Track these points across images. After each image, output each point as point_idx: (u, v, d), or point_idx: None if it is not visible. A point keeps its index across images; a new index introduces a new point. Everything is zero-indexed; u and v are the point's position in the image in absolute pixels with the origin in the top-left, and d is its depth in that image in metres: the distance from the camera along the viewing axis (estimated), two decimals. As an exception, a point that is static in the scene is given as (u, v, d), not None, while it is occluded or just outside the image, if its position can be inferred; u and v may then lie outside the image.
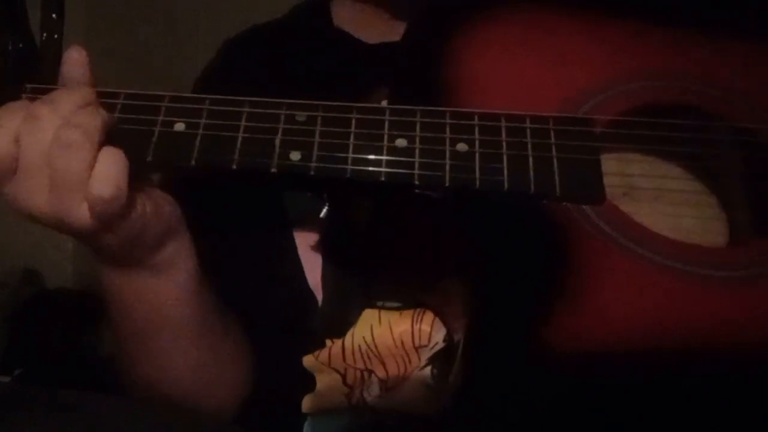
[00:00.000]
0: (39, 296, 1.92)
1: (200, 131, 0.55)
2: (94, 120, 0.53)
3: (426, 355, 0.65)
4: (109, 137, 0.53)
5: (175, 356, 0.64)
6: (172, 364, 0.65)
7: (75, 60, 0.56)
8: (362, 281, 0.67)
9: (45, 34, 0.57)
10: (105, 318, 0.65)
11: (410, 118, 0.56)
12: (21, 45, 0.55)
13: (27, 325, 1.85)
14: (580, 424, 0.49)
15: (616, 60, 0.62)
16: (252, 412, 0.69)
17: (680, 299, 0.52)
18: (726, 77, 0.62)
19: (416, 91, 0.62)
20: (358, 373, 0.67)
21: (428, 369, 0.65)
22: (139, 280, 0.60)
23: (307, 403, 0.69)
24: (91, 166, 0.52)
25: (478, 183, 0.54)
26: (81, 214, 0.52)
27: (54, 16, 0.56)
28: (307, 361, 0.68)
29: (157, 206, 0.57)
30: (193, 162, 0.55)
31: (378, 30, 0.74)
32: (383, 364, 0.66)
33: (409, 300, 0.66)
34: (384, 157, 0.55)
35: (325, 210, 0.67)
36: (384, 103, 0.69)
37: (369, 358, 0.66)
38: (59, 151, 0.51)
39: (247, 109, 0.56)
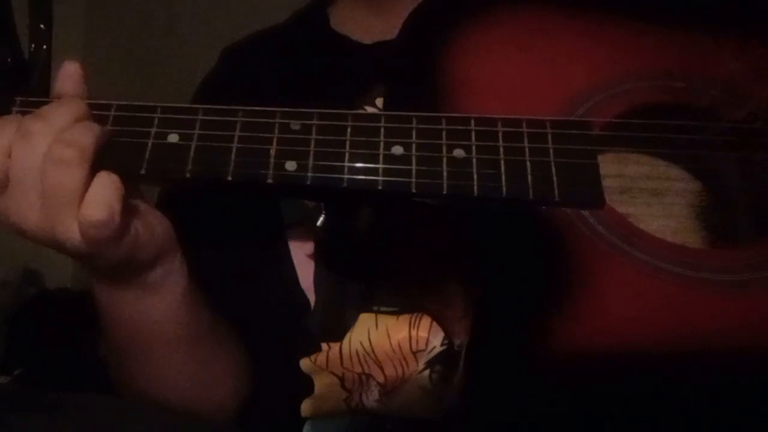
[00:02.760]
0: (39, 296, 1.93)
1: (194, 142, 0.54)
2: (87, 136, 0.52)
3: (424, 359, 0.65)
4: (102, 150, 0.53)
5: (168, 370, 0.64)
6: (166, 378, 0.65)
7: (70, 74, 0.56)
8: (357, 286, 0.67)
9: (33, 45, 0.56)
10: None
11: (406, 125, 0.55)
12: (9, 58, 0.54)
13: (27, 325, 1.85)
14: (580, 428, 0.49)
15: (613, 60, 0.62)
16: (252, 414, 0.69)
17: (679, 303, 0.52)
18: (724, 77, 0.61)
19: (412, 92, 0.62)
20: (356, 377, 0.67)
21: (427, 373, 0.65)
22: (131, 299, 0.60)
23: (306, 407, 0.69)
24: (84, 184, 0.51)
25: (476, 190, 0.54)
26: (72, 233, 0.52)
27: (42, 26, 0.55)
28: (305, 364, 0.68)
29: (150, 229, 0.57)
30: (187, 174, 0.54)
31: (375, 30, 0.74)
32: (381, 368, 0.66)
33: (407, 304, 0.65)
34: (380, 166, 0.54)
35: (321, 218, 0.67)
36: (379, 100, 0.68)
37: (366, 362, 0.66)
38: (52, 168, 0.51)
39: (240, 119, 0.55)
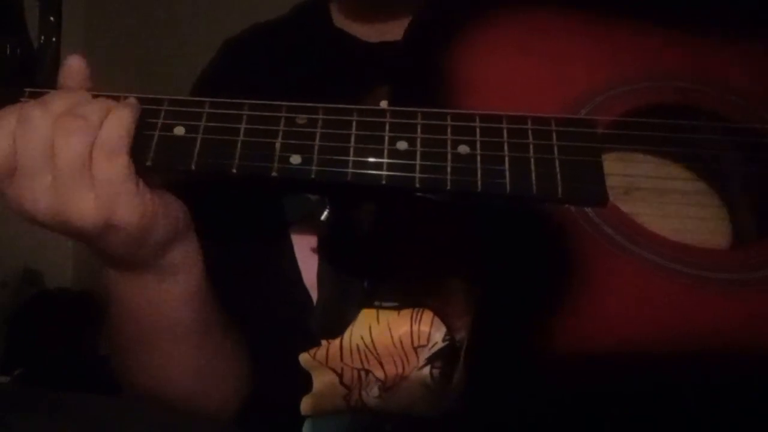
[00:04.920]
0: (39, 296, 1.93)
1: (200, 135, 0.55)
2: (95, 112, 0.53)
3: (425, 355, 0.65)
4: None
5: (175, 360, 0.64)
6: (172, 368, 0.64)
7: (74, 68, 0.56)
8: (360, 281, 0.67)
9: (43, 38, 0.56)
10: (105, 318, 0.65)
11: (411, 120, 0.56)
12: (19, 49, 0.55)
13: (27, 325, 1.85)
14: (580, 428, 0.49)
15: (617, 60, 0.62)
16: (252, 412, 0.69)
17: (680, 302, 0.52)
18: (726, 77, 0.61)
19: (417, 92, 0.62)
20: (356, 373, 0.67)
21: (427, 369, 0.65)
22: (144, 283, 0.60)
23: (306, 405, 0.69)
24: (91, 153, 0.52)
25: (479, 186, 0.54)
26: (84, 207, 0.52)
27: (52, 19, 0.56)
28: (304, 359, 0.68)
29: (166, 205, 0.57)
30: (193, 166, 0.54)
31: (378, 29, 0.74)
32: (381, 364, 0.66)
33: (408, 300, 0.66)
34: (385, 160, 0.54)
35: (326, 212, 0.67)
36: (384, 103, 0.69)
37: (367, 357, 0.66)
38: (60, 136, 0.52)
39: (246, 112, 0.56)
